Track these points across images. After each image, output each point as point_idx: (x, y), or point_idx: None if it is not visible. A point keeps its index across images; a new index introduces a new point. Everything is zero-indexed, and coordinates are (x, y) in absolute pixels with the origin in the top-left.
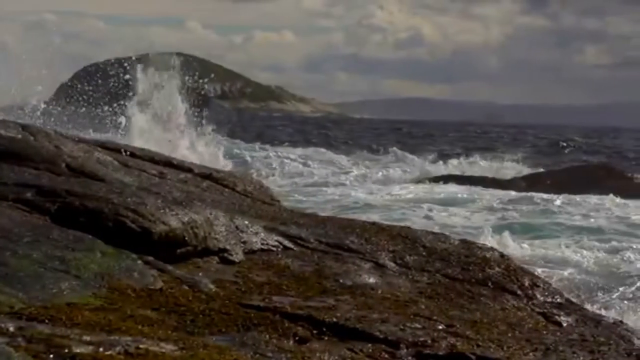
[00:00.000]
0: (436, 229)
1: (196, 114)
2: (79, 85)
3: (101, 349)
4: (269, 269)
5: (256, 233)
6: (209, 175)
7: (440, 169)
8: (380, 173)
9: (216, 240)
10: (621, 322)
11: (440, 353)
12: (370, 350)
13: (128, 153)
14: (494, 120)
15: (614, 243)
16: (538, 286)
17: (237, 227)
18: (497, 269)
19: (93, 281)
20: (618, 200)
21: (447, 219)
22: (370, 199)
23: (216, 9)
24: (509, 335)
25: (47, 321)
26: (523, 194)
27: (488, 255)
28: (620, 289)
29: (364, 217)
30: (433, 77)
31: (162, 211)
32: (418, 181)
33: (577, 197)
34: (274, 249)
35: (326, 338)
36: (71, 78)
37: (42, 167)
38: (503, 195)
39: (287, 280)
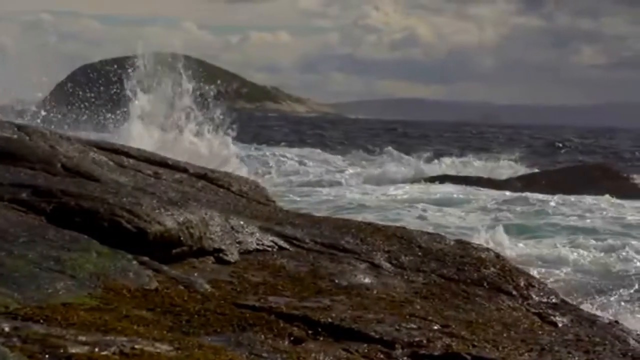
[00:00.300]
0: (431, 229)
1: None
2: (75, 85)
3: (96, 349)
4: (265, 269)
5: (251, 233)
6: (204, 176)
7: (436, 169)
8: (375, 173)
9: (211, 240)
10: (616, 322)
11: (436, 353)
12: (366, 350)
13: (124, 153)
14: (489, 121)
15: (610, 243)
16: (533, 286)
17: (232, 228)
18: (492, 269)
19: (88, 281)
20: (613, 200)
21: (442, 219)
22: (365, 199)
23: (212, 9)
24: (505, 335)
25: (42, 321)
26: (518, 194)
27: (483, 256)
28: (616, 289)
29: (359, 217)
30: (428, 77)
31: (157, 211)
32: (413, 181)
33: (572, 198)
34: (270, 249)
35: (321, 338)
36: (67, 77)
37: (37, 167)
38: (498, 196)
39: (283, 280)
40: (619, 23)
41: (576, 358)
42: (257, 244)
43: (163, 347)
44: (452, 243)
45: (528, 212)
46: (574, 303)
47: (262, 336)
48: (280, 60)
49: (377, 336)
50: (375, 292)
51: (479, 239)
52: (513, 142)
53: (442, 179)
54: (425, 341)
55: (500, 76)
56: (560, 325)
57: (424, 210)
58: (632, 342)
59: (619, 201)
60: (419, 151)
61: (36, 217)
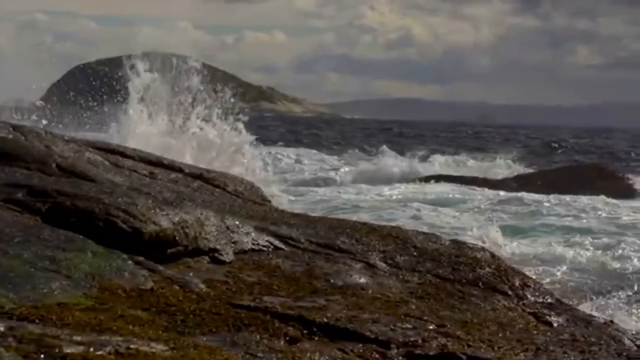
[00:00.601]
0: (425, 229)
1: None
2: (71, 84)
3: (92, 349)
4: (260, 269)
5: (247, 233)
6: (199, 175)
7: (431, 168)
8: (370, 172)
9: (207, 240)
10: (612, 322)
11: (431, 353)
12: (361, 350)
13: (119, 153)
14: (485, 121)
15: (605, 243)
16: (529, 286)
17: (227, 227)
18: (487, 269)
19: (84, 281)
20: (609, 200)
21: (436, 219)
22: (360, 199)
23: (207, 9)
24: (500, 335)
25: (37, 321)
26: (514, 194)
27: (479, 256)
28: (611, 289)
29: (354, 217)
30: (424, 77)
31: (152, 211)
32: (408, 181)
33: (568, 198)
34: (265, 249)
35: (317, 338)
36: (63, 77)
37: (33, 167)
38: (493, 196)
39: (278, 280)
40: (615, 23)
41: (572, 358)
42: (253, 244)
43: (158, 347)
44: (447, 243)
45: (523, 212)
46: (570, 303)
47: (258, 336)
48: (275, 61)
49: (372, 336)
50: (370, 292)
51: (474, 238)
52: (509, 142)
53: (437, 178)
54: (420, 341)
55: (496, 76)
56: (555, 325)
57: (419, 210)
58: (627, 342)
59: (614, 201)
60: (415, 151)
61: (31, 217)
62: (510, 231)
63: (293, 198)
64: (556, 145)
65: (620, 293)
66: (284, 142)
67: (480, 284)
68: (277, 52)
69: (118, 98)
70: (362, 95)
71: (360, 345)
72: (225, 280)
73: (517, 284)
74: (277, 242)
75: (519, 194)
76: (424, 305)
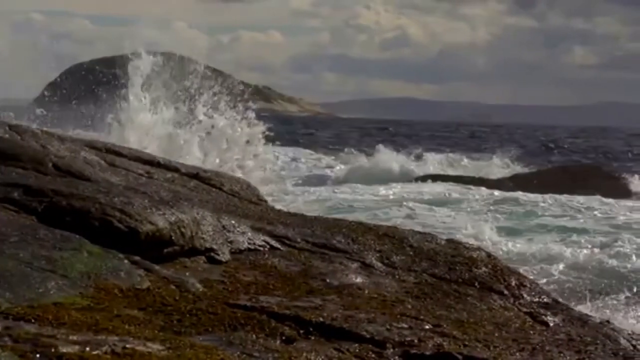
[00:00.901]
0: (420, 229)
1: None
2: (67, 84)
3: (88, 349)
4: (256, 268)
5: (243, 233)
6: (195, 175)
7: (426, 168)
8: (365, 170)
9: (203, 239)
10: (608, 322)
11: (427, 353)
12: (357, 350)
13: (115, 152)
14: (481, 120)
15: (600, 243)
16: (525, 286)
17: (224, 227)
18: (483, 268)
19: (80, 281)
20: (605, 200)
21: (432, 219)
22: (355, 199)
23: (203, 9)
24: (496, 335)
25: (33, 321)
26: (510, 193)
27: (475, 255)
28: (607, 289)
29: (349, 217)
30: (420, 77)
31: (149, 211)
32: (404, 180)
33: (564, 197)
34: (261, 248)
35: (313, 338)
36: (59, 77)
37: (29, 166)
38: (489, 195)
39: (274, 280)
40: (611, 23)
41: (567, 358)
42: (249, 244)
43: (154, 347)
44: (443, 242)
45: (519, 212)
46: (566, 302)
47: (254, 336)
48: (271, 60)
49: (368, 336)
50: (366, 291)
51: (469, 237)
52: (505, 141)
53: (433, 178)
54: (416, 341)
55: (492, 76)
56: (551, 324)
57: (414, 210)
58: (623, 341)
59: (610, 201)
60: (410, 151)
61: (27, 216)
62: (506, 231)
63: (288, 197)
64: (552, 145)
65: (616, 293)
66: (280, 141)
67: (476, 284)
68: (273, 52)
69: (114, 97)
70: (358, 94)
71: (357, 345)
72: (222, 280)
73: (513, 283)
74: (273, 242)
75: (515, 194)
76: (420, 305)
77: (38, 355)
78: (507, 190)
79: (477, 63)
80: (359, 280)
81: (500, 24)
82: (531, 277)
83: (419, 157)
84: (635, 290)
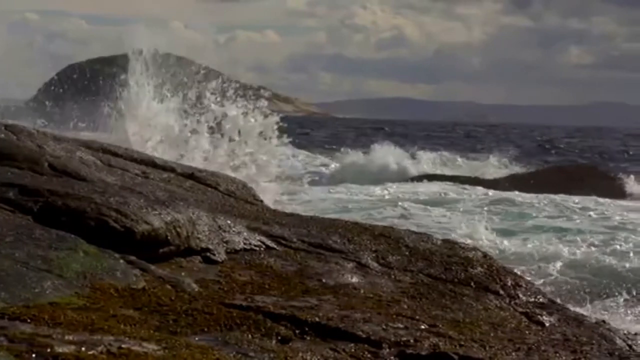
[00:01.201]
0: (415, 229)
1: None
2: (62, 84)
3: (83, 349)
4: (252, 268)
5: (239, 233)
6: (191, 175)
7: (422, 168)
8: (361, 170)
9: (199, 239)
10: (603, 322)
11: (423, 353)
12: (353, 350)
13: (111, 152)
14: (477, 120)
15: (596, 243)
16: (520, 286)
17: (219, 227)
18: (479, 268)
19: (75, 280)
20: (600, 200)
21: (427, 219)
22: (350, 199)
23: (199, 8)
24: (492, 335)
25: (29, 321)
26: (505, 193)
27: (471, 255)
28: (602, 289)
29: (345, 217)
30: (416, 76)
31: (144, 211)
32: (399, 179)
33: (559, 198)
34: (257, 248)
35: (309, 338)
36: (54, 77)
37: (24, 166)
38: (485, 195)
39: (270, 279)
40: (607, 23)
41: (563, 357)
42: (245, 244)
43: (150, 347)
44: (439, 242)
45: (515, 212)
46: (561, 302)
47: (250, 335)
48: (267, 60)
49: (364, 336)
50: (362, 291)
51: (464, 238)
52: (501, 141)
53: (429, 178)
54: (412, 341)
55: (488, 76)
56: (547, 324)
57: (410, 210)
58: (619, 341)
59: (605, 201)
60: (406, 151)
61: (23, 216)
62: (502, 231)
63: (284, 197)
64: (548, 145)
65: (613, 293)
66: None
67: (472, 284)
68: (269, 52)
69: (112, 85)
70: (354, 94)
71: (352, 344)
72: (217, 280)
73: (509, 283)
74: (269, 242)
75: (511, 194)
76: (415, 305)
77: (34, 355)
78: (503, 190)
79: (473, 63)
80: (354, 280)
81: (496, 23)
82: (527, 277)
83: (415, 157)
84: (631, 290)
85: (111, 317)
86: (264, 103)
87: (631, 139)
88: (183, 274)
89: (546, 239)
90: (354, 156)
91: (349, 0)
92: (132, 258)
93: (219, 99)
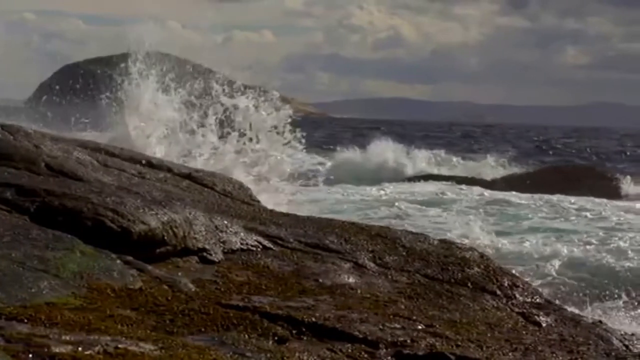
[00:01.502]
0: (411, 229)
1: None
2: (59, 84)
3: (80, 349)
4: (249, 268)
5: (235, 233)
6: (188, 175)
7: (419, 168)
8: (355, 165)
9: (195, 239)
10: (600, 322)
11: (420, 353)
12: (350, 350)
13: (108, 152)
14: (474, 121)
15: (593, 243)
16: (517, 286)
17: (216, 227)
18: (476, 269)
19: (72, 281)
20: (597, 201)
21: (424, 219)
22: (346, 199)
23: (196, 8)
24: (489, 335)
25: (26, 321)
26: (502, 194)
27: (467, 256)
28: (599, 289)
29: (341, 217)
30: (413, 77)
31: (141, 211)
32: (396, 178)
33: (556, 198)
34: (254, 248)
35: (305, 338)
36: (52, 76)
37: (21, 166)
38: (482, 195)
39: (267, 280)
40: (604, 23)
41: (560, 358)
42: (241, 244)
43: (147, 347)
44: (436, 243)
45: (511, 212)
46: (558, 302)
47: (246, 336)
48: (264, 60)
49: (361, 336)
50: (359, 291)
51: (461, 238)
52: (497, 142)
53: (426, 178)
54: (409, 341)
55: (484, 76)
56: (544, 325)
57: (406, 210)
58: (615, 341)
59: (603, 201)
60: (403, 151)
61: (20, 216)
62: (499, 231)
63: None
64: (545, 145)
65: (609, 293)
66: None
67: (469, 284)
68: (266, 52)
69: (108, 96)
70: (351, 94)
71: (349, 345)
72: (214, 280)
73: (505, 283)
74: (265, 242)
75: (508, 194)
76: (412, 305)
77: (30, 355)
78: (500, 191)
79: (470, 63)
80: (351, 280)
81: (492, 24)
82: (524, 278)
83: (412, 157)
84: (628, 290)
85: (108, 317)
86: (275, 95)
87: (629, 139)
88: (180, 274)
89: (543, 239)
90: (350, 154)
91: (346, 0)
92: (129, 258)
93: (227, 90)
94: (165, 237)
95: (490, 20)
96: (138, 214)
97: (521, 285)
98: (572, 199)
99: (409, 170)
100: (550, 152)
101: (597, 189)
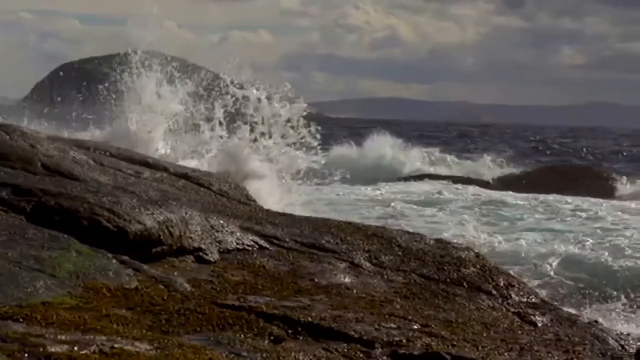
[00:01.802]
0: (407, 229)
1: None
2: (56, 83)
3: (76, 349)
4: (245, 268)
5: (232, 233)
6: (184, 175)
7: (414, 168)
8: (351, 162)
9: (192, 239)
10: (596, 322)
11: (416, 353)
12: (346, 350)
13: (104, 152)
14: (471, 121)
15: (589, 244)
16: (513, 286)
17: (212, 227)
18: (472, 269)
19: (68, 280)
20: (594, 201)
21: (419, 219)
22: (343, 200)
23: (192, 8)
24: (485, 335)
25: (22, 320)
26: (499, 194)
27: (464, 256)
28: (596, 289)
29: (337, 217)
30: (410, 77)
31: (137, 210)
32: (392, 180)
33: (552, 198)
34: (250, 248)
35: (301, 338)
36: (48, 76)
37: (18, 166)
38: (478, 195)
39: (263, 280)
40: (600, 23)
41: (556, 358)
42: (238, 244)
43: (143, 347)
44: (432, 242)
45: (508, 212)
46: (554, 303)
47: (242, 335)
48: (261, 60)
49: (357, 336)
50: (355, 291)
51: (457, 238)
52: (494, 142)
53: (422, 177)
54: (405, 341)
55: (481, 76)
56: (540, 325)
57: (402, 210)
58: (611, 341)
59: (599, 201)
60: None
61: (16, 216)
62: (495, 231)
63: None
64: (542, 145)
65: (605, 293)
66: None
67: (465, 284)
68: (263, 52)
69: (107, 87)
70: (348, 94)
71: (345, 344)
72: (210, 280)
73: (502, 283)
74: (262, 242)
75: (504, 194)
76: (408, 305)
77: (26, 355)
78: (496, 190)
79: (467, 63)
80: (347, 280)
81: (489, 24)
82: (520, 278)
83: (408, 157)
84: (625, 290)
85: (104, 317)
86: (287, 86)
87: (625, 139)
88: (176, 273)
89: (539, 239)
90: (346, 150)
91: (343, 0)
92: (125, 258)
93: (236, 81)
94: (162, 237)
95: (487, 20)
96: (134, 214)
97: (517, 285)
98: (569, 199)
99: (406, 169)
100: (548, 152)
101: (594, 189)
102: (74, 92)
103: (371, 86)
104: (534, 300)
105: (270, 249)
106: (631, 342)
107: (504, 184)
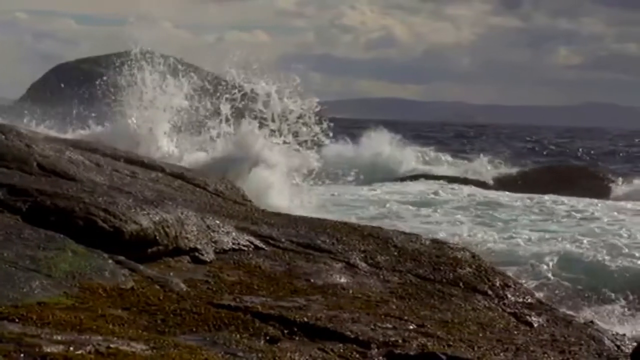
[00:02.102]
0: (403, 229)
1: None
2: (52, 83)
3: (72, 349)
4: (240, 268)
5: (227, 233)
6: (180, 175)
7: (410, 168)
8: (351, 172)
9: (187, 239)
10: (592, 322)
11: (411, 353)
12: (341, 350)
13: (100, 152)
14: (466, 121)
15: (586, 243)
16: (509, 286)
17: (208, 227)
18: (468, 269)
19: (64, 280)
20: (589, 200)
21: (415, 219)
22: (339, 200)
23: (188, 8)
24: (480, 335)
25: (17, 320)
26: (494, 193)
27: (459, 256)
28: (591, 289)
29: (332, 217)
30: (405, 77)
31: (133, 210)
32: (388, 180)
33: (548, 198)
34: (245, 248)
35: (297, 338)
36: (44, 76)
37: (13, 166)
38: (474, 195)
39: (258, 280)
40: (596, 23)
41: (552, 358)
42: (233, 244)
43: (138, 347)
44: (427, 243)
45: (503, 212)
46: (550, 303)
47: (238, 335)
48: (259, 60)
49: (352, 336)
50: (350, 291)
51: (453, 237)
52: (490, 142)
53: (417, 177)
54: (400, 341)
55: (476, 76)
56: (535, 325)
57: (399, 210)
58: (607, 342)
59: (594, 201)
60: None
61: (12, 216)
62: (491, 231)
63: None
64: (538, 145)
65: (601, 294)
66: None
67: (460, 284)
68: (258, 52)
69: (99, 96)
70: (343, 95)
71: (341, 344)
72: (206, 280)
73: (497, 284)
74: (257, 242)
75: (500, 194)
76: (404, 305)
77: (22, 355)
78: (491, 190)
79: (462, 63)
80: (343, 280)
81: (485, 24)
82: (515, 278)
83: (404, 157)
84: (621, 290)
85: (100, 317)
86: (296, 80)
87: (621, 139)
88: (171, 273)
89: (535, 239)
90: (342, 147)
91: (338, 0)
92: (121, 258)
93: (244, 75)
94: (157, 237)
95: (483, 21)
96: (130, 214)
97: (513, 286)
98: (565, 199)
99: (402, 168)
100: (543, 153)
101: (590, 189)
102: (70, 90)
103: (367, 86)
104: (529, 300)
105: (266, 249)
106: (627, 342)
107: (500, 184)
